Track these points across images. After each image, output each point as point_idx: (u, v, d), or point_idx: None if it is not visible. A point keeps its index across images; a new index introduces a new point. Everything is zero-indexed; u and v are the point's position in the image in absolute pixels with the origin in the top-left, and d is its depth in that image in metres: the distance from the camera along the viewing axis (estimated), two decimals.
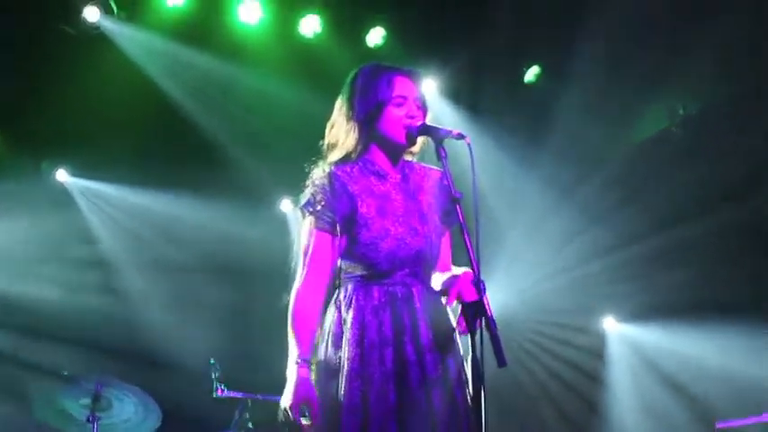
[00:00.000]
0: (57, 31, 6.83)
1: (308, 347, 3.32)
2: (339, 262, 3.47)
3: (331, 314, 3.44)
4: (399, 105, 3.46)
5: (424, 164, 3.64)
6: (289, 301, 3.40)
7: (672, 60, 7.52)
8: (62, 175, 7.76)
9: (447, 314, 3.43)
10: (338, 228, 3.42)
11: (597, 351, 8.98)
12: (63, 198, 7.73)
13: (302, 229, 3.47)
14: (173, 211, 7.79)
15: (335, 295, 3.47)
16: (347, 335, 3.35)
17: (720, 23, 6.94)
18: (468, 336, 3.02)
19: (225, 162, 7.62)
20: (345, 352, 3.33)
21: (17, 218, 7.30)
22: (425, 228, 3.46)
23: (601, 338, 9.02)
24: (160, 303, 7.80)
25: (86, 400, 5.92)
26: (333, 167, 3.48)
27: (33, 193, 7.42)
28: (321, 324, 3.45)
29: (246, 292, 7.81)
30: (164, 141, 7.47)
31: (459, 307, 3.10)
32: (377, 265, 3.39)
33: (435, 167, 3.58)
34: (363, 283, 3.41)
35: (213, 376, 6.19)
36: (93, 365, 6.77)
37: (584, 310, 8.91)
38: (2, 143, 7.44)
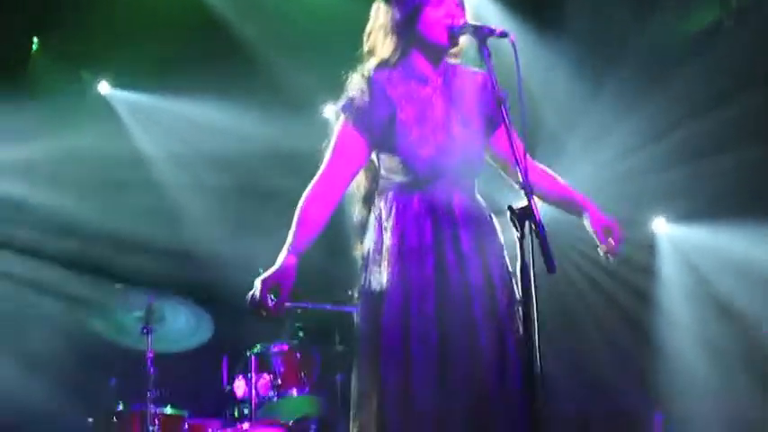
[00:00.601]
0: None
1: (303, 239, 3.31)
2: (381, 170, 3.44)
3: (372, 226, 3.42)
4: (437, 5, 3.35)
5: (467, 66, 3.54)
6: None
7: None
8: (104, 87, 7.72)
9: (491, 225, 3.41)
10: (374, 133, 3.35)
11: (649, 250, 8.80)
12: (106, 110, 7.70)
13: (336, 131, 3.44)
14: (216, 120, 7.72)
15: (376, 205, 3.44)
16: (387, 243, 3.33)
17: None
18: (517, 241, 2.93)
19: (266, 69, 7.51)
20: (385, 260, 3.31)
21: (61, 132, 7.27)
22: (467, 133, 3.39)
23: (650, 243, 8.82)
24: (207, 218, 7.80)
25: (140, 313, 6.02)
26: (372, 73, 3.41)
27: (76, 106, 7.41)
28: (360, 237, 3.47)
29: (292, 205, 7.74)
30: (204, 49, 7.36)
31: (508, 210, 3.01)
32: (417, 172, 3.34)
33: (479, 70, 3.49)
34: (403, 191, 3.37)
35: None
36: (145, 279, 6.81)
37: (631, 208, 8.70)
38: (42, 56, 7.40)
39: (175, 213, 7.83)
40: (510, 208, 2.94)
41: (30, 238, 7.38)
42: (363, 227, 3.50)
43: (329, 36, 7.10)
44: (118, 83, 7.74)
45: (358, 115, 3.35)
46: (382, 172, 3.44)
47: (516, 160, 2.98)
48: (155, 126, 7.85)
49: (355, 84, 3.41)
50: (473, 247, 3.31)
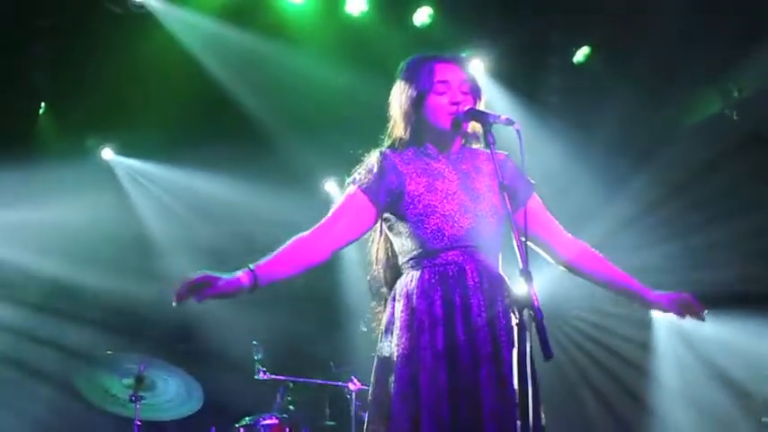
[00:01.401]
0: (102, 9, 6.81)
1: (271, 268, 3.31)
2: (396, 247, 3.48)
3: (389, 306, 3.44)
4: (441, 93, 3.44)
5: (485, 149, 3.52)
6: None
7: (729, 42, 7.31)
8: (107, 154, 7.77)
9: (505, 293, 3.37)
10: (381, 201, 3.40)
11: (643, 342, 8.83)
12: (108, 176, 7.74)
13: (342, 195, 3.51)
14: (216, 191, 7.79)
15: (394, 281, 3.47)
16: (397, 322, 3.34)
17: None
18: (515, 327, 2.93)
19: (268, 142, 7.61)
20: (395, 338, 3.32)
21: (63, 197, 7.30)
22: (479, 207, 3.41)
23: (647, 328, 8.86)
24: None
25: (129, 380, 5.96)
26: (386, 150, 3.51)
27: (79, 172, 7.43)
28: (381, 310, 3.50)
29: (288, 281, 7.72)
30: (207, 121, 7.47)
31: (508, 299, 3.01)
32: (425, 242, 3.37)
33: (500, 151, 3.47)
34: (415, 266, 3.39)
35: (255, 358, 6.20)
36: (137, 346, 6.77)
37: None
38: (48, 122, 7.46)
39: (172, 281, 7.80)
40: (509, 295, 2.95)
41: (25, 300, 7.36)
42: (383, 300, 3.52)
43: (332, 114, 7.20)
44: (122, 150, 7.78)
45: (367, 183, 3.42)
46: (396, 248, 3.48)
47: (518, 246, 2.98)
48: (156, 194, 7.90)
49: (369, 160, 3.49)
50: (484, 316, 3.29)
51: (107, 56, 6.95)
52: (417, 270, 3.38)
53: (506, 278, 3.42)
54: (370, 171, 3.43)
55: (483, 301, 3.32)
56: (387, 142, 3.56)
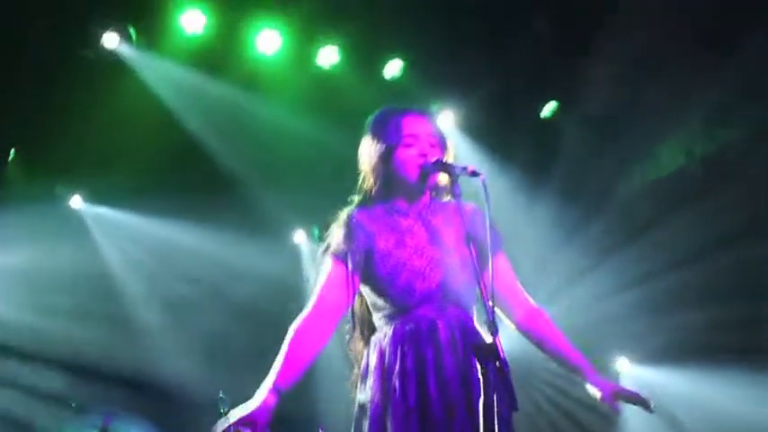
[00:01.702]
0: (75, 56, 6.82)
1: (288, 377, 3.26)
2: (369, 302, 3.48)
3: (364, 358, 3.44)
4: (409, 146, 3.46)
5: (454, 200, 3.56)
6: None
7: (689, 99, 7.45)
8: (76, 202, 7.74)
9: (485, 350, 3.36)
10: (355, 266, 3.40)
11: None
12: (76, 224, 7.70)
13: (321, 268, 3.49)
14: (185, 240, 7.77)
15: (369, 338, 3.47)
16: (371, 377, 3.35)
17: (742, 58, 6.88)
18: (480, 378, 2.95)
19: (238, 192, 7.61)
20: (368, 390, 3.33)
21: (30, 243, 7.27)
22: (450, 260, 3.41)
23: (614, 379, 8.89)
24: (169, 336, 7.74)
25: None
26: (354, 210, 3.51)
27: (47, 219, 7.39)
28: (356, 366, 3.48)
29: (258, 328, 7.69)
30: (178, 170, 7.46)
31: (473, 348, 3.02)
32: (397, 299, 3.37)
33: (469, 202, 3.53)
34: (388, 323, 3.40)
35: (221, 410, 6.12)
36: (101, 397, 6.70)
37: (597, 350, 8.78)
38: (17, 167, 7.43)
39: (140, 334, 7.76)
40: (474, 345, 2.96)
41: None
42: (357, 358, 3.51)
43: (303, 165, 7.23)
44: (91, 198, 7.75)
45: (338, 251, 3.43)
46: (370, 305, 3.48)
47: (483, 298, 3.01)
48: (125, 243, 7.86)
49: (336, 224, 3.50)
50: (456, 370, 3.28)
51: (78, 102, 6.93)
52: (390, 326, 3.38)
53: (480, 330, 3.41)
54: (339, 236, 3.44)
55: (455, 357, 3.31)
56: (357, 197, 3.57)
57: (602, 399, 3.45)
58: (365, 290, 3.48)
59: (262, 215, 7.70)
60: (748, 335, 7.91)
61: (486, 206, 3.17)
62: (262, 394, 3.19)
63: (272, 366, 3.27)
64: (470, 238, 3.14)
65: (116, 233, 7.85)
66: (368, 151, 3.54)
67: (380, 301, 3.42)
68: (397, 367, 3.29)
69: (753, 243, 7.78)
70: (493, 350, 2.89)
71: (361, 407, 3.35)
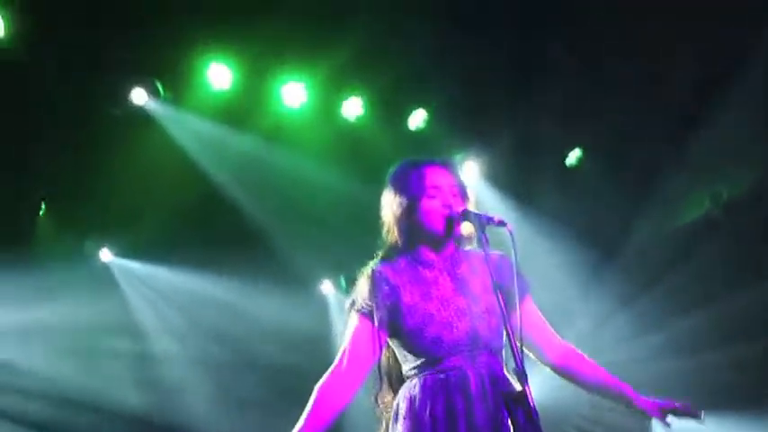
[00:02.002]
0: (103, 112, 6.91)
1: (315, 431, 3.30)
2: (399, 358, 3.47)
3: (393, 408, 3.44)
4: (433, 197, 3.47)
5: (479, 249, 3.56)
6: None
7: (716, 144, 7.46)
8: (106, 255, 7.80)
9: (515, 398, 3.29)
10: (382, 321, 3.40)
11: None
12: (106, 278, 7.75)
13: (348, 324, 3.51)
14: (213, 293, 7.79)
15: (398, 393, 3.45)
16: (400, 423, 3.34)
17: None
18: (512, 425, 2.95)
19: (266, 245, 7.64)
20: None
21: (60, 298, 7.31)
22: (477, 308, 3.40)
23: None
24: (198, 394, 7.74)
25: None
26: (378, 264, 3.51)
27: (77, 273, 7.45)
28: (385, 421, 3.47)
29: (285, 382, 7.64)
30: (205, 223, 7.52)
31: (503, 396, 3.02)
32: (426, 352, 3.35)
33: (496, 251, 3.52)
34: (418, 375, 3.38)
35: None
36: None
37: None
38: (48, 222, 7.50)
39: (168, 386, 7.76)
40: (504, 393, 2.97)
41: (17, 404, 7.30)
42: (386, 410, 3.50)
43: (329, 217, 7.25)
44: (120, 251, 7.81)
45: (365, 307, 3.43)
46: (399, 358, 3.47)
47: (512, 345, 3.01)
48: (154, 297, 7.89)
49: (361, 279, 3.51)
50: (487, 419, 3.25)
51: (106, 157, 6.99)
52: (420, 377, 3.37)
53: (511, 378, 3.39)
54: (365, 292, 3.45)
55: (486, 406, 3.29)
56: (381, 250, 3.57)
57: (651, 416, 3.48)
58: (393, 343, 3.47)
59: (288, 267, 7.72)
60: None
61: (514, 255, 3.19)
62: None
63: (298, 423, 3.30)
64: (497, 286, 3.15)
65: (144, 287, 7.88)
66: (390, 204, 3.54)
67: (409, 354, 3.40)
68: (427, 414, 3.28)
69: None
70: (522, 398, 2.90)
71: None
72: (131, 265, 7.85)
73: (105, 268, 7.78)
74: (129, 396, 7.44)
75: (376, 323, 3.40)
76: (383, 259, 3.53)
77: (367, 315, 3.42)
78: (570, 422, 8.76)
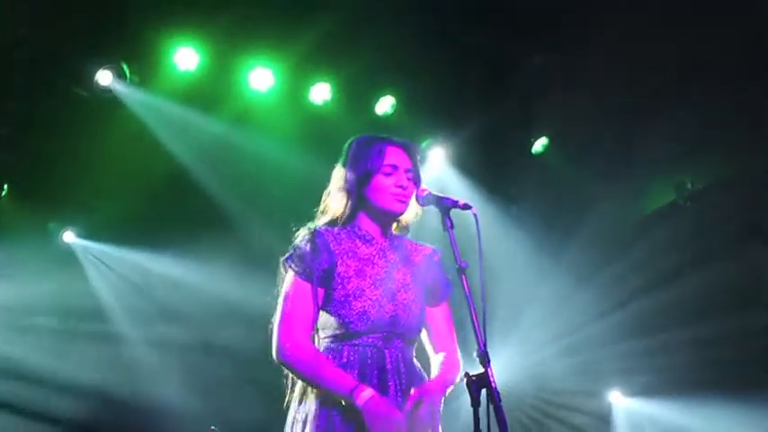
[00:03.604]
0: (69, 93, 6.86)
1: (344, 376, 3.28)
2: (317, 320, 3.46)
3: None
4: (388, 174, 3.49)
5: (414, 240, 3.67)
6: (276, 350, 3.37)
7: (682, 134, 7.54)
8: (69, 237, 7.75)
9: (420, 381, 3.41)
10: (315, 282, 3.41)
11: (602, 427, 8.89)
12: (69, 260, 7.70)
13: (284, 282, 3.48)
14: (178, 275, 7.76)
15: None
16: (312, 396, 3.35)
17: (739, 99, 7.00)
18: (472, 408, 2.98)
19: (231, 227, 7.62)
20: (311, 412, 3.33)
21: (23, 279, 7.26)
22: (405, 296, 3.47)
23: (606, 414, 8.93)
24: (161, 375, 7.71)
25: None
26: (320, 228, 3.52)
27: (40, 255, 7.40)
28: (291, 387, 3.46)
29: (246, 362, 7.65)
30: (171, 205, 7.48)
31: (466, 378, 3.05)
32: (349, 323, 3.38)
33: (428, 245, 3.64)
34: (334, 343, 3.41)
35: None
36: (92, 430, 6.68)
37: (590, 383, 8.84)
38: (10, 203, 7.44)
39: (130, 370, 7.73)
40: (467, 374, 2.99)
41: None
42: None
43: (295, 200, 7.24)
44: (83, 233, 7.75)
45: (302, 266, 3.42)
46: (318, 325, 3.46)
47: (475, 328, 3.05)
48: (117, 277, 7.85)
49: (301, 236, 3.50)
50: (400, 400, 3.29)
51: (73, 139, 6.95)
52: (336, 348, 3.39)
53: (420, 368, 3.48)
54: (303, 251, 3.43)
55: (399, 385, 3.35)
56: (321, 217, 3.58)
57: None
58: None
59: (253, 249, 7.71)
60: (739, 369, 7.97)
61: (478, 238, 3.21)
62: (361, 402, 3.20)
63: (330, 389, 3.27)
64: (460, 270, 3.18)
65: (108, 267, 7.84)
66: (342, 173, 3.55)
67: (330, 322, 3.41)
68: None
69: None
70: (484, 379, 2.93)
71: (299, 422, 3.35)
72: (95, 246, 7.79)
73: (68, 249, 7.73)
74: (89, 376, 7.39)
75: (314, 285, 3.40)
76: (325, 225, 3.54)
77: (306, 277, 3.41)
78: (527, 404, 8.86)
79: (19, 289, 7.26)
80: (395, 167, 3.50)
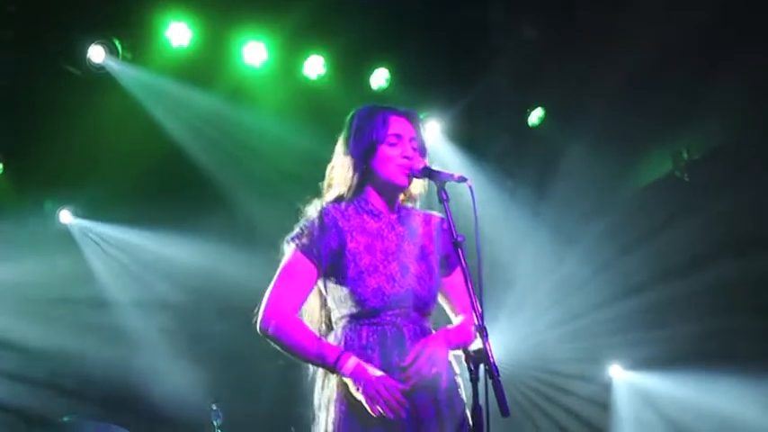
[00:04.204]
0: (61, 70, 6.81)
1: (328, 345, 3.28)
2: (329, 302, 3.45)
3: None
4: (393, 145, 3.45)
5: (422, 209, 3.63)
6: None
7: (679, 105, 7.51)
8: (65, 216, 7.72)
9: (444, 357, 3.35)
10: (323, 263, 3.37)
11: (602, 401, 8.93)
12: (66, 238, 7.67)
13: (284, 257, 3.44)
14: (175, 252, 7.74)
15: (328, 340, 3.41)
16: (335, 378, 3.31)
17: (733, 68, 6.94)
18: (471, 383, 2.97)
19: (228, 203, 7.61)
20: (335, 393, 3.30)
21: (19, 258, 7.24)
22: (418, 268, 3.43)
23: (606, 388, 8.96)
24: (161, 348, 7.71)
25: None
26: (325, 204, 3.47)
27: (36, 234, 7.38)
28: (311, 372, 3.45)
29: (248, 337, 7.64)
30: (167, 182, 7.46)
31: (463, 353, 3.04)
32: (365, 301, 3.34)
33: (435, 212, 3.58)
34: (352, 324, 3.37)
35: (215, 423, 6.11)
36: (93, 411, 6.68)
37: (590, 358, 8.86)
38: (6, 182, 7.41)
39: (130, 346, 7.72)
40: (465, 350, 2.98)
41: None
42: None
43: (289, 174, 7.23)
44: (80, 212, 7.73)
45: (307, 244, 3.37)
46: (332, 305, 3.44)
47: (472, 303, 3.03)
48: (114, 258, 7.82)
49: (308, 215, 3.46)
50: (423, 378, 3.24)
51: (66, 117, 6.90)
52: (355, 327, 3.35)
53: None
54: (310, 230, 3.39)
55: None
56: (327, 192, 3.54)
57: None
58: (331, 288, 3.42)
59: (250, 226, 7.70)
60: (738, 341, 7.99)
61: (474, 210, 3.19)
62: (345, 372, 3.20)
63: (315, 361, 3.28)
64: (457, 244, 3.16)
65: (105, 246, 7.82)
66: (347, 144, 3.50)
67: (346, 302, 3.37)
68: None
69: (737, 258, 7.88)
70: (483, 355, 2.92)
71: (321, 412, 3.34)
72: (92, 225, 7.77)
73: (65, 229, 7.70)
74: (87, 349, 7.38)
75: (316, 264, 3.36)
76: (330, 202, 3.49)
77: (307, 253, 3.37)
78: (523, 380, 8.88)
79: (15, 268, 7.23)
80: (399, 137, 3.45)
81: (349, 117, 3.57)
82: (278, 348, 3.38)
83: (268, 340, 3.37)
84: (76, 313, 7.49)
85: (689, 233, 7.97)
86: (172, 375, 7.55)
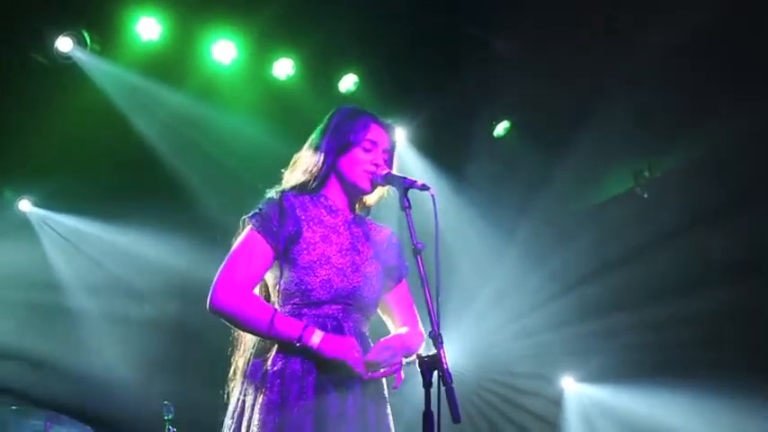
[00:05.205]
0: (29, 60, 6.75)
1: (290, 319, 3.28)
2: (275, 287, 3.43)
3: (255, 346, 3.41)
4: (367, 150, 3.50)
5: (373, 221, 3.69)
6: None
7: (640, 120, 7.59)
8: (25, 205, 7.65)
9: (400, 361, 3.37)
10: (279, 244, 3.36)
11: (553, 414, 9.00)
12: (24, 228, 7.61)
13: (239, 236, 3.44)
14: (136, 247, 7.71)
15: None
16: (268, 364, 3.31)
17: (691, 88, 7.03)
18: (423, 389, 2.99)
19: (191, 199, 7.58)
20: (265, 383, 3.29)
21: None
22: (369, 269, 3.47)
23: (558, 400, 9.03)
24: (117, 343, 7.66)
25: None
26: (288, 192, 3.49)
27: None
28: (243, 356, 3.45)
29: (203, 337, 7.61)
30: (130, 176, 7.42)
31: (416, 360, 3.06)
32: (311, 291, 3.34)
33: (386, 226, 3.67)
34: (294, 311, 3.36)
35: (165, 418, 6.09)
36: (43, 402, 6.63)
37: (543, 367, 8.94)
38: None
39: (84, 338, 7.68)
40: (419, 356, 3.01)
41: None
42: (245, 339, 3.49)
43: (256, 173, 7.22)
44: (40, 202, 7.67)
45: (265, 224, 3.37)
46: (274, 290, 3.43)
47: (429, 309, 3.06)
48: (73, 249, 7.77)
49: (268, 197, 3.47)
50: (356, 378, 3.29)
51: (32, 107, 6.87)
52: (296, 317, 3.33)
53: (372, 343, 3.45)
54: (269, 212, 3.39)
55: None
56: (289, 174, 3.57)
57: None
58: (277, 273, 3.40)
59: (212, 223, 7.67)
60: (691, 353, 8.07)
61: (435, 219, 3.21)
62: (318, 339, 3.23)
63: (276, 336, 3.25)
64: (416, 251, 3.18)
65: (64, 238, 7.76)
66: (322, 137, 3.54)
67: (292, 289, 3.36)
68: (299, 363, 3.27)
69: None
70: (436, 361, 2.94)
71: (249, 401, 3.30)
72: (51, 215, 7.71)
73: (24, 218, 7.64)
74: (41, 341, 7.33)
75: (273, 246, 3.36)
76: (293, 190, 3.51)
77: (267, 236, 3.36)
78: (482, 385, 8.93)
79: None
80: (374, 144, 3.50)
81: (330, 113, 3.62)
82: (230, 324, 3.35)
83: (219, 315, 3.32)
84: (32, 305, 7.43)
85: (643, 247, 8.06)
86: (127, 373, 7.51)
